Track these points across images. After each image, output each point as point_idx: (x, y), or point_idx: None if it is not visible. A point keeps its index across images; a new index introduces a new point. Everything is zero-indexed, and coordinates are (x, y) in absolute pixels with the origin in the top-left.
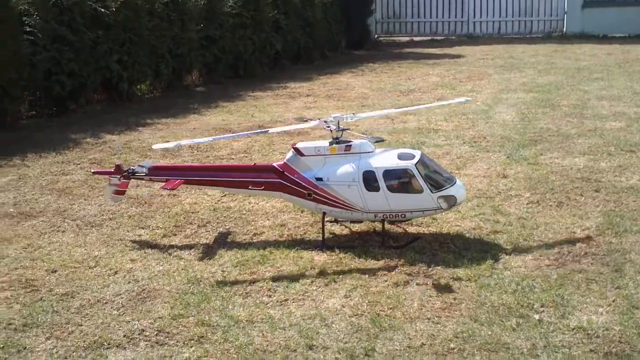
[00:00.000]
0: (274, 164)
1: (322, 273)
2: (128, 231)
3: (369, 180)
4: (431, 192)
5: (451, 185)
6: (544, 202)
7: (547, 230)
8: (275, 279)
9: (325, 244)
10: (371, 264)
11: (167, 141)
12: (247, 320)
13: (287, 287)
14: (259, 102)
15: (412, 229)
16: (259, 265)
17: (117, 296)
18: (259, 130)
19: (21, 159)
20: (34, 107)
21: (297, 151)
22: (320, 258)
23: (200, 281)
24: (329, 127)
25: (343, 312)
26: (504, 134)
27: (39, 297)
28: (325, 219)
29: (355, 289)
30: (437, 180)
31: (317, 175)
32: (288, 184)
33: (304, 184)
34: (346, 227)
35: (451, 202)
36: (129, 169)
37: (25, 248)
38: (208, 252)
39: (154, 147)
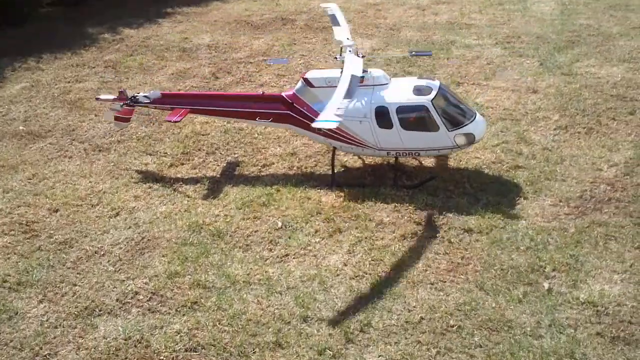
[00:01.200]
0: (283, 94)
1: (327, 219)
2: (135, 158)
3: (382, 116)
4: (447, 130)
5: (470, 122)
6: (573, 128)
7: (572, 166)
8: (276, 228)
9: (335, 182)
10: (380, 208)
11: (184, 42)
12: (244, 282)
13: (289, 238)
14: None
15: (427, 163)
16: (264, 208)
17: (115, 246)
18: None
19: (36, 60)
20: None
21: (307, 82)
22: (328, 199)
23: (202, 228)
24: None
25: (344, 273)
26: (540, 33)
27: (37, 245)
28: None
29: (359, 242)
30: (454, 117)
31: None
32: (297, 116)
33: (313, 116)
34: (360, 158)
35: (469, 140)
36: (133, 96)
37: (30, 179)
38: (214, 188)
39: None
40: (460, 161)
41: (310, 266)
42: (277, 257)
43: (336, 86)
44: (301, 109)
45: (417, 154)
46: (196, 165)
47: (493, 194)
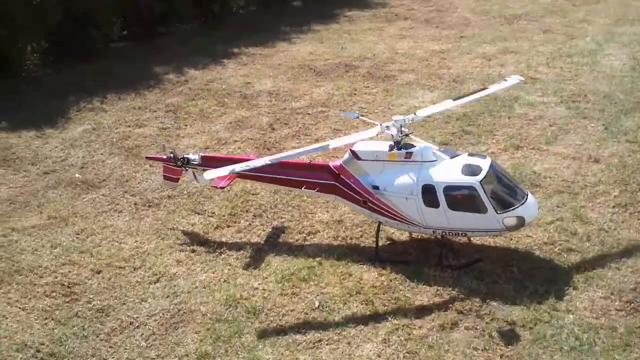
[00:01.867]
0: (330, 164)
1: (366, 301)
2: (183, 217)
3: (429, 194)
4: (496, 212)
5: (521, 204)
6: (633, 206)
7: (629, 252)
8: (313, 308)
9: (378, 257)
10: (422, 290)
11: (246, 87)
12: None
13: (325, 319)
14: (353, 27)
15: (476, 240)
16: (303, 283)
17: (151, 317)
18: (319, 146)
19: (100, 100)
20: (126, 27)
21: (354, 154)
22: (370, 277)
23: (239, 303)
24: (388, 131)
25: None
26: (607, 91)
27: (76, 311)
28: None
29: (396, 330)
30: (504, 198)
31: (374, 182)
32: (343, 188)
33: (359, 190)
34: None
35: (519, 223)
36: (183, 157)
37: (78, 234)
38: (256, 256)
39: (205, 176)
40: (511, 240)
41: (342, 355)
42: (310, 342)
43: (384, 160)
44: (347, 180)
45: (464, 234)
46: (242, 229)
47: (542, 281)
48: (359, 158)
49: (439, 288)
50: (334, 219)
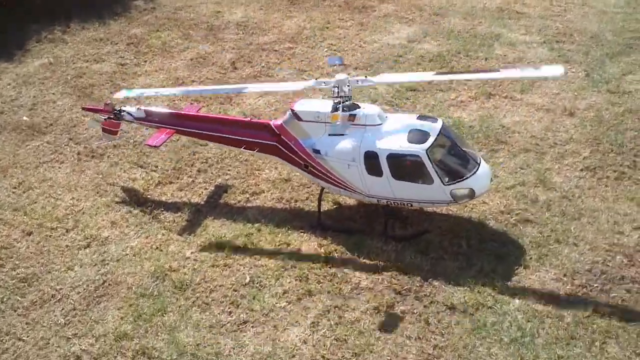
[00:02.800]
0: (271, 122)
1: (300, 277)
2: (124, 171)
3: (371, 162)
4: (443, 183)
5: (472, 174)
6: (602, 170)
7: (590, 225)
8: (244, 283)
9: (320, 224)
10: (361, 266)
11: (215, 17)
12: (192, 354)
13: (253, 298)
14: None
15: (427, 208)
16: (238, 253)
17: (74, 289)
18: (234, 87)
19: (63, 30)
20: None
21: (295, 114)
22: (308, 247)
23: (166, 275)
24: (333, 89)
25: (300, 354)
26: (595, 31)
27: None
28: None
29: (327, 313)
30: (453, 168)
31: (315, 146)
32: (284, 149)
33: (300, 153)
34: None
35: (468, 195)
36: (119, 109)
37: (16, 188)
38: (194, 220)
39: (115, 96)
40: (465, 207)
41: (266, 340)
42: (235, 323)
43: (326, 122)
44: (289, 142)
45: (409, 205)
46: (183, 186)
47: (490, 257)
48: (299, 118)
49: (379, 263)
50: (281, 177)
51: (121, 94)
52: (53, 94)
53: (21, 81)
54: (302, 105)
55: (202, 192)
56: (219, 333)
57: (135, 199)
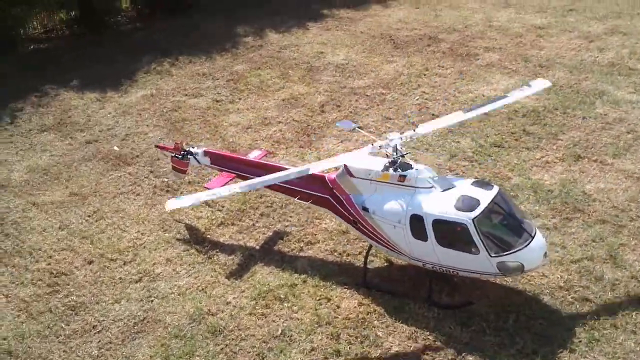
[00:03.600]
0: (327, 176)
1: (332, 335)
2: (193, 208)
3: (417, 226)
4: (489, 254)
5: (522, 247)
6: None
7: None
8: (275, 335)
9: (365, 282)
10: (396, 330)
11: (316, 58)
12: None
13: (279, 353)
14: None
15: None
16: (277, 303)
17: (115, 322)
18: (298, 170)
19: (172, 62)
20: None
21: (347, 170)
22: (348, 305)
23: (203, 319)
24: (385, 150)
25: None
26: None
27: (50, 306)
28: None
29: None
30: (502, 240)
31: (365, 203)
32: (335, 204)
33: (350, 209)
34: None
35: (516, 269)
36: (187, 151)
37: (89, 217)
38: (244, 264)
39: (168, 206)
40: (520, 280)
41: None
42: None
43: (376, 181)
44: (340, 196)
45: (454, 272)
46: (243, 229)
47: (535, 337)
48: (351, 175)
49: (416, 330)
50: (340, 228)
51: (171, 204)
52: (147, 125)
53: (121, 111)
54: (354, 162)
55: (260, 237)
56: None
57: (194, 238)
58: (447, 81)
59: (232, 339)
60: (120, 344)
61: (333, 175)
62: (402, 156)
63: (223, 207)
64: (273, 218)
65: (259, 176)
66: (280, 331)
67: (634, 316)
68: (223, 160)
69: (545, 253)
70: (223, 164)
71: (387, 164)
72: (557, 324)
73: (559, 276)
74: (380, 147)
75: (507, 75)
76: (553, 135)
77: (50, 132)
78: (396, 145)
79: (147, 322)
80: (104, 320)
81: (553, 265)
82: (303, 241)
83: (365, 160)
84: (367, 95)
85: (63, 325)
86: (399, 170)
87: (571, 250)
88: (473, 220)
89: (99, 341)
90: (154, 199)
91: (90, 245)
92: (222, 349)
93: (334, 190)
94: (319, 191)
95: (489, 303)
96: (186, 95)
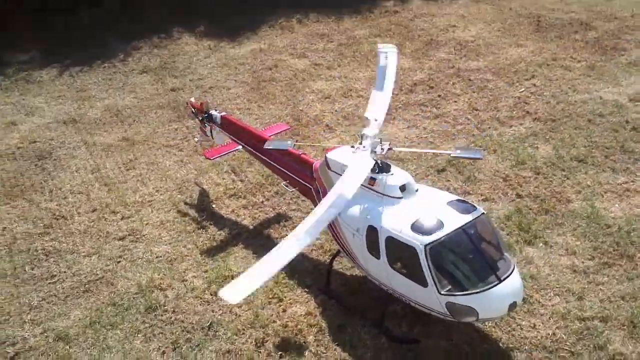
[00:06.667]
0: (315, 163)
1: (258, 341)
2: (218, 173)
3: (372, 239)
4: (438, 291)
5: (480, 290)
6: None
7: None
8: (203, 326)
9: (327, 289)
10: (327, 353)
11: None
12: None
13: (195, 347)
14: None
15: None
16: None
17: (72, 277)
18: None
19: (300, 18)
20: None
21: (327, 162)
22: (295, 311)
23: (152, 291)
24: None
25: None
26: None
27: (29, 247)
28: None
29: None
30: (457, 277)
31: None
32: (314, 195)
33: None
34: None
35: (468, 315)
36: (208, 113)
37: (125, 164)
38: (228, 242)
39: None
40: (501, 324)
41: None
42: None
43: None
44: (319, 188)
45: (407, 301)
46: (249, 205)
47: None
48: (329, 167)
49: (346, 358)
50: None
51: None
52: (235, 80)
53: (222, 62)
54: (335, 154)
55: (259, 217)
56: None
57: (199, 205)
58: (569, 76)
59: (161, 320)
60: (63, 300)
61: (318, 164)
62: (386, 157)
63: (246, 177)
64: (285, 198)
65: (258, 151)
66: (209, 323)
67: None
68: (234, 128)
69: (514, 303)
70: (232, 131)
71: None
72: None
73: (551, 332)
74: (363, 143)
75: None
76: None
77: (148, 74)
78: (376, 146)
79: (100, 283)
80: (64, 272)
81: (554, 317)
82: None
83: (346, 153)
84: (470, 80)
85: (27, 269)
86: (375, 171)
87: (586, 304)
88: (426, 246)
89: (47, 292)
90: (192, 157)
91: (106, 193)
92: (145, 327)
93: (315, 181)
94: (305, 179)
95: (447, 346)
96: (291, 54)
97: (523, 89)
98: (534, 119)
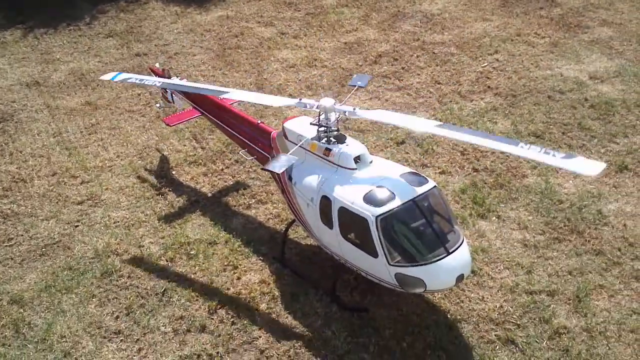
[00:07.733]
0: (273, 132)
1: (210, 309)
2: (179, 140)
3: (325, 209)
4: (388, 262)
5: (429, 262)
6: None
7: None
8: (157, 292)
9: (282, 258)
10: (278, 319)
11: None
12: (49, 344)
13: (147, 313)
14: None
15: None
16: (184, 259)
17: (29, 240)
18: (217, 89)
19: None
20: None
21: (284, 131)
22: (249, 279)
23: (108, 257)
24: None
25: None
26: None
27: None
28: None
29: (197, 358)
30: (407, 248)
31: (290, 172)
32: None
33: (280, 175)
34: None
35: (416, 286)
36: (169, 76)
37: (87, 128)
38: (185, 209)
39: (102, 77)
40: (448, 296)
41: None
42: (110, 330)
43: (304, 149)
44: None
45: (359, 271)
46: (209, 172)
47: None
48: (286, 136)
49: (296, 325)
50: None
51: (107, 76)
52: (200, 47)
53: (189, 28)
54: (292, 123)
55: (218, 184)
56: (88, 334)
57: (159, 171)
58: (532, 52)
59: (116, 285)
60: (19, 263)
61: (275, 133)
62: (336, 129)
63: (207, 144)
64: (245, 166)
65: (217, 118)
66: (163, 289)
67: None
68: (195, 95)
69: (461, 275)
70: (192, 98)
71: (319, 131)
72: None
73: (499, 305)
74: (307, 105)
75: (605, 57)
76: (611, 136)
77: (114, 38)
78: (329, 113)
79: (57, 247)
80: (21, 236)
81: (502, 290)
82: (255, 198)
83: (303, 123)
84: (434, 53)
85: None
86: (330, 142)
87: (535, 278)
88: (377, 217)
89: (3, 255)
90: (155, 123)
91: (67, 157)
92: (100, 292)
93: (273, 150)
94: (263, 148)
95: (396, 316)
96: (258, 22)
97: (486, 64)
98: (495, 94)
